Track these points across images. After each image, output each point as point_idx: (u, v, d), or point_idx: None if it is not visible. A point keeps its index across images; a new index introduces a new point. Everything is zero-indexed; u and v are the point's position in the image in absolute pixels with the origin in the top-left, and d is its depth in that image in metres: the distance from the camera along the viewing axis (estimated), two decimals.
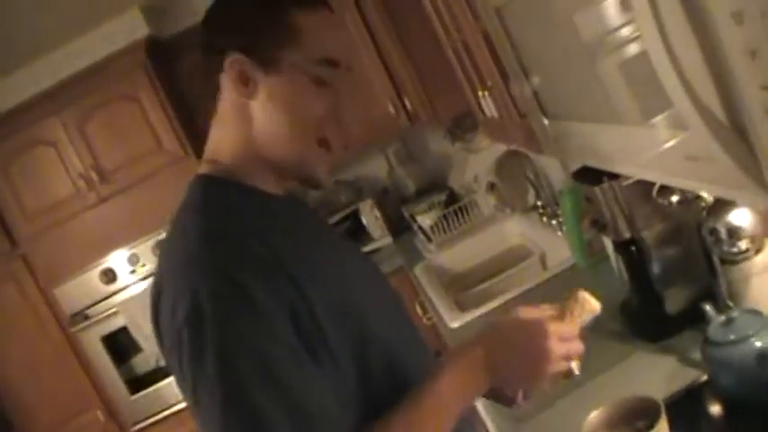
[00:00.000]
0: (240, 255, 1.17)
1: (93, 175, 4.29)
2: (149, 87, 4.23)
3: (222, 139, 1.35)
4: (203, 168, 1.35)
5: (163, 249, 1.29)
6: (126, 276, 4.38)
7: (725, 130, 0.79)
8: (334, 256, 1.43)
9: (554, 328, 1.26)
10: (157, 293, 1.19)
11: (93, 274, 4.36)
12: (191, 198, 1.31)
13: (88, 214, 4.36)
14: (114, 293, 4.38)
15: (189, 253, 1.18)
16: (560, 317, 1.32)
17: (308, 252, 1.31)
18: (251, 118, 1.30)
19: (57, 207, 4.33)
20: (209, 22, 1.36)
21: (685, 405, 1.63)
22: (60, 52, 4.15)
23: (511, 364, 1.26)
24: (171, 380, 4.34)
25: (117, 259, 4.37)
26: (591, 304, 1.36)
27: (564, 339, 1.27)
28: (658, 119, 0.97)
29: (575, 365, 1.31)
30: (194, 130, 4.36)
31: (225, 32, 1.32)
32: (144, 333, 4.30)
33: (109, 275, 4.36)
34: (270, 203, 1.34)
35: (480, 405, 1.97)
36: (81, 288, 4.37)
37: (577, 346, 1.29)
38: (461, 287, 3.54)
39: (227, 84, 1.30)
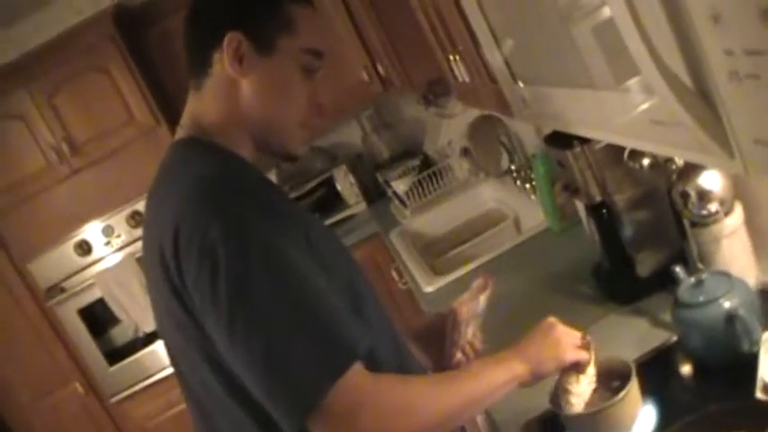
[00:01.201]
0: (262, 186, 1.33)
1: (65, 148, 4.23)
2: (119, 57, 4.16)
3: (204, 111, 1.40)
4: (182, 132, 1.42)
5: (167, 195, 1.33)
6: (101, 248, 4.36)
7: (690, 95, 0.80)
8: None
9: (555, 320, 1.50)
10: (175, 226, 1.23)
11: (68, 247, 4.33)
12: (180, 154, 1.39)
13: (61, 187, 4.31)
14: (90, 265, 4.36)
15: (210, 184, 1.26)
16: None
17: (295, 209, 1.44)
18: (239, 95, 1.37)
19: (28, 181, 4.27)
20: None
21: (656, 365, 1.66)
22: (26, 23, 4.08)
23: (535, 347, 1.45)
24: (149, 350, 4.36)
25: (91, 231, 4.35)
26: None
27: (567, 333, 1.49)
28: (629, 83, 0.97)
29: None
30: (165, 98, 4.31)
31: (226, 11, 1.37)
32: (121, 304, 4.29)
33: (84, 247, 4.34)
34: (250, 167, 1.40)
35: None
36: (56, 261, 4.34)
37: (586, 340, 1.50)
38: (436, 252, 3.56)
39: (220, 59, 1.36)
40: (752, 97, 0.68)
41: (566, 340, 1.47)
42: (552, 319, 1.51)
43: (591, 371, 1.49)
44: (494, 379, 1.37)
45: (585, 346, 1.49)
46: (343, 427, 1.17)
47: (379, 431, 1.20)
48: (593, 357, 1.49)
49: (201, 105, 1.40)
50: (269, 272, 1.17)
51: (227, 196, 1.23)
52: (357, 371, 1.18)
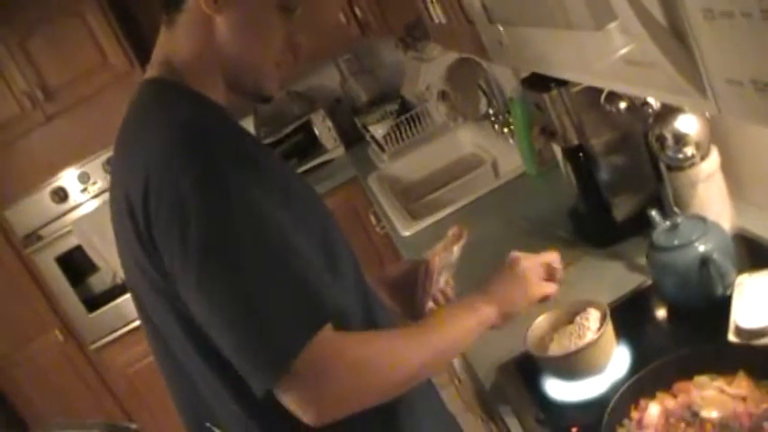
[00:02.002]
0: (236, 134, 1.28)
1: (39, 94, 4.15)
2: (93, 1, 4.09)
3: (176, 48, 1.36)
4: (153, 71, 1.38)
5: (134, 142, 1.31)
6: (77, 195, 4.32)
7: (665, 35, 0.78)
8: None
9: (522, 255, 1.49)
10: (145, 177, 1.19)
11: (44, 194, 4.28)
12: (150, 98, 1.35)
13: (35, 134, 4.25)
14: (67, 212, 4.32)
15: (182, 133, 1.22)
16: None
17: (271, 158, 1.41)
18: (213, 32, 1.32)
19: (2, 128, 4.20)
20: None
21: (631, 308, 1.67)
22: None
23: (501, 287, 1.44)
24: (128, 296, 4.32)
25: (68, 178, 4.30)
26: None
27: (532, 267, 1.48)
28: (606, 24, 0.96)
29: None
30: (141, 42, 4.24)
31: None
32: (99, 251, 4.26)
33: (60, 195, 4.29)
34: (223, 113, 1.37)
35: None
36: (32, 209, 4.29)
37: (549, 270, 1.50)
38: (414, 196, 3.55)
39: None
40: (725, 36, 0.67)
41: (531, 275, 1.46)
42: (515, 254, 1.49)
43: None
44: (463, 326, 1.36)
45: (551, 275, 1.50)
46: (313, 386, 1.14)
47: (352, 388, 1.18)
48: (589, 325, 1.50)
49: (173, 42, 1.36)
50: (243, 225, 1.14)
51: (200, 146, 1.19)
52: (327, 330, 1.16)
